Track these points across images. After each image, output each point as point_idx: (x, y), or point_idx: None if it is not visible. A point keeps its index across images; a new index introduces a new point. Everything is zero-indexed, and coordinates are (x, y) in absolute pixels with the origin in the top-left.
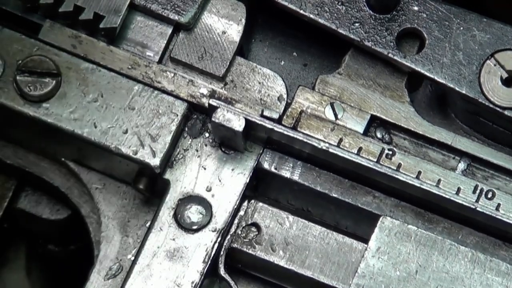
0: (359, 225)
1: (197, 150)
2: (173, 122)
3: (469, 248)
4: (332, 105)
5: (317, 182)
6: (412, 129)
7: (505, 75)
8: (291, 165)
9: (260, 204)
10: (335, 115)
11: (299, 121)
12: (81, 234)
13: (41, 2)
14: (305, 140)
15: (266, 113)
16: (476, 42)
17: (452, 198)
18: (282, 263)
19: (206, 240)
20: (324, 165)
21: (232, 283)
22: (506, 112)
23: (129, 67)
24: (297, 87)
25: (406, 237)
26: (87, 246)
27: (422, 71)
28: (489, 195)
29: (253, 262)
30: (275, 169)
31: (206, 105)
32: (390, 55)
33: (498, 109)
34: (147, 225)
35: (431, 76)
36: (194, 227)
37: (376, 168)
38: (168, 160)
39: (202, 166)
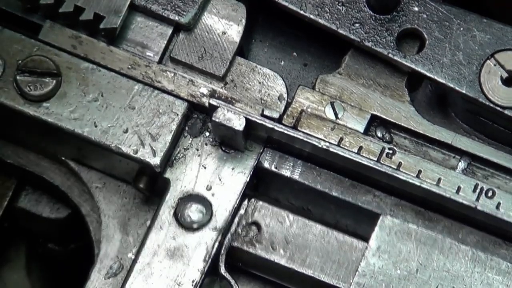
0: (359, 224)
1: (197, 149)
2: (173, 122)
3: (469, 247)
4: (332, 104)
5: (317, 181)
6: (412, 129)
7: (505, 75)
8: (291, 164)
9: (261, 203)
10: (336, 114)
11: (299, 121)
12: (81, 233)
13: (41, 2)
14: (305, 139)
15: (266, 112)
16: (476, 42)
17: (452, 197)
18: (282, 262)
19: (206, 239)
20: (324, 164)
21: (232, 281)
22: (506, 112)
23: (129, 67)
24: (297, 86)
25: (406, 236)
26: (88, 245)
27: (422, 71)
28: (489, 194)
29: (254, 261)
30: (275, 168)
31: (207, 104)
32: (390, 55)
33: (498, 108)
34: (148, 224)
35: (431, 76)
36: (195, 226)
37: (377, 167)
38: (169, 159)
39: (203, 165)
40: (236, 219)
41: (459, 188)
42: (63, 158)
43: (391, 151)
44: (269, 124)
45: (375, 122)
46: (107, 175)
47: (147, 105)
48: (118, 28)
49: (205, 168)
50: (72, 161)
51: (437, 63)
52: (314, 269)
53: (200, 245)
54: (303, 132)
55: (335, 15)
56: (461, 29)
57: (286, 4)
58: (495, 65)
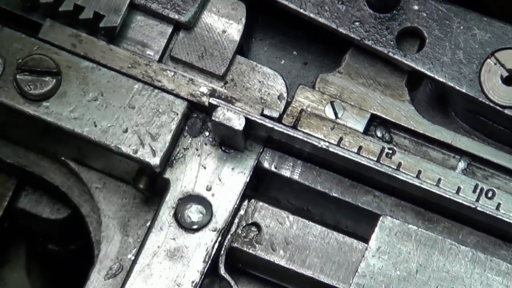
0: (359, 225)
1: (197, 149)
2: (173, 121)
3: (469, 248)
4: (332, 104)
5: (317, 181)
6: (412, 128)
7: (505, 74)
8: (291, 164)
9: (260, 203)
10: (335, 114)
11: (299, 120)
12: (81, 234)
13: (41, 1)
14: (305, 139)
15: (266, 112)
16: (476, 41)
17: (452, 198)
18: (282, 262)
19: (206, 239)
20: (324, 164)
21: (232, 282)
22: (506, 111)
23: (129, 66)
24: (297, 86)
25: (406, 237)
26: (87, 245)
27: (422, 70)
28: (489, 194)
29: (254, 262)
30: (275, 168)
31: (206, 104)
32: (390, 54)
33: (498, 107)
34: (147, 224)
35: (431, 75)
36: (194, 227)
37: (376, 167)
38: (168, 159)
39: (202, 165)
40: (236, 220)
41: (459, 189)
42: (63, 158)
43: (391, 151)
44: (269, 123)
45: (375, 122)
46: (107, 175)
47: (147, 104)
48: (118, 26)
49: (205, 168)
50: (72, 161)
51: (437, 62)
52: (314, 270)
53: (200, 245)
54: (303, 132)
55: (335, 14)
56: (461, 27)
57: (286, 3)
58: (495, 64)
